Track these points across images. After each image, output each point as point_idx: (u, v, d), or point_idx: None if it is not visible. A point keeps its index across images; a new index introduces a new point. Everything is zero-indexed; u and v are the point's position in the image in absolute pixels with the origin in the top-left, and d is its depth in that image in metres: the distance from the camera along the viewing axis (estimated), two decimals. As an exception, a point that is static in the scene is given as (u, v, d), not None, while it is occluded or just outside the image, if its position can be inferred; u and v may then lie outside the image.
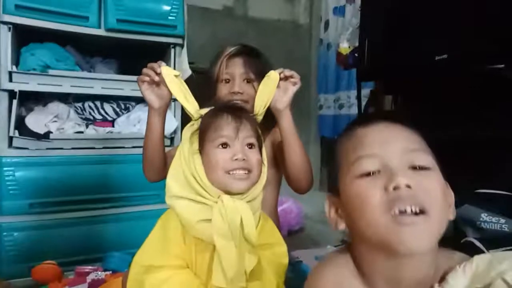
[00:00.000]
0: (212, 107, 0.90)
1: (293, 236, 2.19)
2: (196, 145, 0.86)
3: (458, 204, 0.60)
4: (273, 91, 0.99)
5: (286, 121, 1.03)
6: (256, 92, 1.06)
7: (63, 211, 1.55)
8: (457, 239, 1.22)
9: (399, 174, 0.54)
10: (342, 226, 0.63)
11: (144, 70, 0.96)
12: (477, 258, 0.57)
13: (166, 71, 0.93)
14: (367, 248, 0.59)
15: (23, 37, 1.58)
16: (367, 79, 1.78)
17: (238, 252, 0.79)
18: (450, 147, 1.33)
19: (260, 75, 1.14)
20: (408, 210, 0.52)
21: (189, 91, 0.94)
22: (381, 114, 0.63)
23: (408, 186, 0.53)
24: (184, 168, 0.84)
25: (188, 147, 0.87)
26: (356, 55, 1.83)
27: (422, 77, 1.45)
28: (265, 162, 0.90)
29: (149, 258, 0.80)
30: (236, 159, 0.82)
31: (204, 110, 0.90)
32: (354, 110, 2.48)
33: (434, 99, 1.44)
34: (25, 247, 1.49)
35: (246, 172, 0.83)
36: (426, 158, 0.58)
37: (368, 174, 0.56)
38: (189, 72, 1.73)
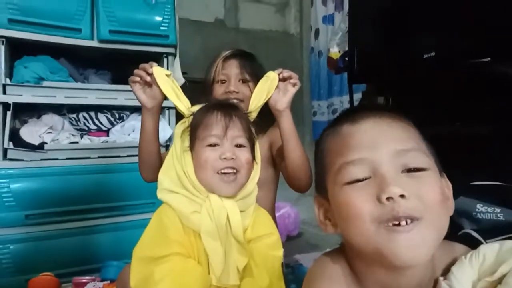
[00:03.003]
0: (204, 104, 0.91)
1: (292, 241, 2.18)
2: (187, 143, 0.87)
3: (453, 197, 0.58)
4: (271, 91, 1.01)
5: (286, 122, 1.04)
6: (251, 92, 1.09)
7: (59, 221, 1.54)
8: (454, 232, 1.22)
9: (392, 182, 0.48)
10: (331, 230, 0.58)
11: (136, 70, 0.98)
12: (484, 248, 0.53)
13: (157, 71, 0.95)
14: (360, 255, 0.54)
15: (17, 50, 1.60)
16: (358, 81, 1.80)
17: (225, 252, 0.80)
18: (443, 142, 1.35)
19: (255, 76, 1.17)
20: (403, 223, 0.48)
21: (180, 90, 0.96)
22: (369, 107, 0.58)
23: (402, 196, 0.48)
24: (176, 165, 0.86)
25: (179, 144, 0.88)
26: (346, 58, 1.86)
27: (411, 75, 1.48)
28: (258, 160, 0.91)
29: (151, 249, 0.80)
30: (224, 158, 0.82)
31: (196, 107, 0.91)
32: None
33: (425, 96, 1.47)
34: (22, 259, 1.47)
35: (234, 171, 0.83)
36: (420, 158, 0.52)
37: (357, 181, 0.51)
38: (182, 81, 1.75)
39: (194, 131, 0.86)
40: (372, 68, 1.62)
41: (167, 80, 0.94)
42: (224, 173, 0.83)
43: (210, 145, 0.84)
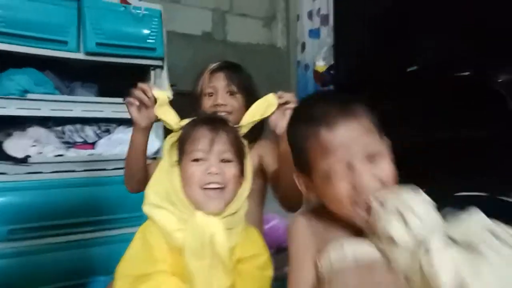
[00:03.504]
0: (192, 118, 0.91)
1: (282, 253, 2.16)
2: (175, 157, 0.86)
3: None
4: (266, 113, 1.00)
5: (284, 145, 1.00)
6: (239, 104, 1.10)
7: (44, 236, 1.51)
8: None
9: (363, 174, 0.66)
10: (314, 199, 0.75)
11: (136, 93, 0.98)
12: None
13: (158, 95, 0.96)
14: (334, 213, 0.72)
15: (2, 62, 1.58)
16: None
17: (209, 271, 0.78)
18: (429, 154, 1.37)
19: (243, 88, 1.18)
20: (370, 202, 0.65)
21: (169, 105, 0.96)
22: (339, 110, 0.68)
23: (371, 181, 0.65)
24: (164, 180, 0.85)
25: (168, 158, 0.87)
26: (331, 72, 1.89)
27: (395, 88, 1.51)
28: (248, 175, 0.90)
29: (135, 267, 0.78)
30: (209, 173, 0.81)
31: (185, 121, 0.91)
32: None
33: (409, 107, 1.50)
34: (5, 275, 1.43)
35: (220, 187, 0.82)
36: (379, 145, 0.69)
37: (336, 174, 0.68)
38: (170, 94, 1.75)
39: (181, 146, 0.86)
40: (358, 81, 1.65)
41: (166, 103, 0.95)
42: (210, 189, 0.81)
43: (196, 160, 0.83)
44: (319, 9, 2.75)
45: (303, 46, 3.04)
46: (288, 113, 1.01)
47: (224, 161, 0.84)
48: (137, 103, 0.98)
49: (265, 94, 1.06)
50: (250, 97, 1.18)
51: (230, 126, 0.91)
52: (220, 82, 1.18)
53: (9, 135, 1.60)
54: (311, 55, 2.89)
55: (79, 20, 1.64)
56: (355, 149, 0.67)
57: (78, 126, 1.68)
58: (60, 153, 1.61)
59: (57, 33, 1.60)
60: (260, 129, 1.07)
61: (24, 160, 1.49)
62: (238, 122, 1.12)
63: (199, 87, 1.21)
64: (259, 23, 3.24)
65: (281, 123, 1.01)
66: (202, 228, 0.79)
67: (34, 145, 1.57)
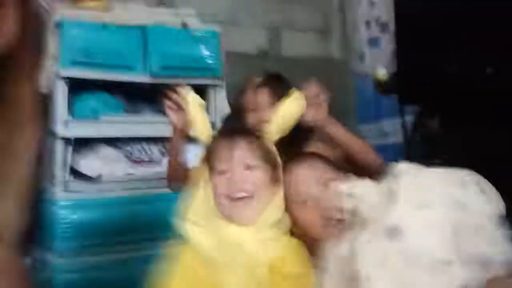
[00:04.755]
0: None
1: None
2: (207, 174, 0.86)
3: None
4: (298, 112, 0.96)
5: (335, 129, 1.02)
6: None
7: (113, 252, 1.58)
8: None
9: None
10: None
11: (174, 97, 1.03)
12: None
13: (191, 98, 1.00)
14: None
15: (76, 87, 1.71)
16: (407, 101, 1.74)
17: (245, 285, 0.76)
18: (500, 163, 1.24)
19: None
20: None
21: (203, 113, 0.99)
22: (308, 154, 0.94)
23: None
24: (200, 198, 0.85)
25: (202, 175, 0.88)
26: (394, 80, 1.81)
27: (466, 94, 1.40)
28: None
29: None
30: (234, 182, 0.80)
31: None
32: (398, 138, 2.41)
33: (480, 115, 1.38)
34: (79, 288, 1.51)
35: (249, 195, 0.79)
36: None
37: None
38: (227, 110, 1.78)
39: (207, 161, 0.86)
40: (423, 88, 1.56)
41: (199, 108, 0.98)
42: (237, 198, 0.79)
43: (220, 172, 0.82)
44: (377, 17, 2.68)
45: (362, 56, 2.96)
46: (325, 104, 1.00)
47: (249, 168, 0.82)
48: (174, 106, 1.03)
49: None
50: None
51: (252, 133, 0.89)
52: (263, 98, 1.16)
53: (81, 155, 1.71)
54: (370, 65, 2.80)
55: (144, 45, 1.74)
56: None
57: (144, 145, 1.76)
58: (131, 171, 1.68)
59: (124, 59, 1.71)
60: (302, 133, 1.05)
61: (97, 179, 1.59)
62: (284, 137, 1.10)
63: (242, 103, 1.20)
64: (315, 36, 3.22)
65: (318, 111, 0.99)
66: (233, 239, 0.77)
67: (105, 165, 1.67)
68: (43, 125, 1.61)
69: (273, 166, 0.85)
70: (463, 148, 1.43)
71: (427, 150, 1.68)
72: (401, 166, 0.71)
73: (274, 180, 0.84)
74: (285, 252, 0.80)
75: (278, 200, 0.84)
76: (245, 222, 0.79)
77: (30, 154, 0.54)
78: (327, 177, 0.83)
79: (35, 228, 1.55)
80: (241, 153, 0.82)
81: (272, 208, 0.82)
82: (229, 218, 0.80)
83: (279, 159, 0.88)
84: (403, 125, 1.72)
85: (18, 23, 0.46)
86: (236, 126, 0.97)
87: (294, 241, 0.85)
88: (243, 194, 0.80)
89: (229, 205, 0.80)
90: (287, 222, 0.84)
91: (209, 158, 0.86)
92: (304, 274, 0.79)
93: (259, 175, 0.82)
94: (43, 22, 1.55)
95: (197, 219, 0.83)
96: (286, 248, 0.81)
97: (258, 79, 1.20)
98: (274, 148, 0.89)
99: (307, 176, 0.84)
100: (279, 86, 1.18)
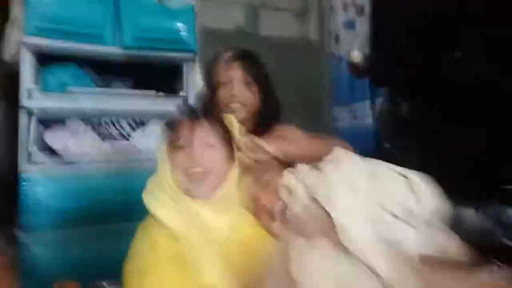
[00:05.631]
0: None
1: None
2: (166, 149, 0.89)
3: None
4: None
5: (285, 153, 0.99)
6: (254, 96, 1.12)
7: (79, 225, 1.55)
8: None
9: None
10: None
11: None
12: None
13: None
14: None
15: (42, 57, 1.64)
16: (380, 84, 1.77)
17: (208, 256, 0.79)
18: (468, 146, 1.29)
19: (259, 79, 1.15)
20: None
21: None
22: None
23: None
24: (159, 169, 0.88)
25: (162, 148, 0.90)
26: (367, 62, 1.83)
27: (437, 77, 1.43)
28: (236, 160, 0.90)
29: (139, 263, 0.81)
30: (191, 158, 0.83)
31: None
32: (369, 120, 2.45)
33: (451, 98, 1.42)
34: (47, 264, 1.48)
35: (204, 171, 0.83)
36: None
37: None
38: (201, 85, 1.75)
39: (169, 138, 0.89)
40: (395, 70, 1.58)
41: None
42: (193, 173, 0.83)
43: (180, 148, 0.85)
44: (354, 0, 2.68)
45: (337, 38, 2.97)
46: (259, 145, 0.96)
47: (208, 146, 0.86)
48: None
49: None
50: (266, 88, 1.16)
51: (214, 114, 0.93)
52: (235, 73, 1.14)
53: (49, 127, 1.66)
54: (345, 47, 2.82)
55: (116, 15, 1.67)
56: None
57: (114, 118, 1.72)
58: (98, 145, 1.65)
59: (94, 28, 1.64)
60: (272, 115, 1.07)
61: (63, 151, 1.54)
62: (251, 113, 1.11)
63: (213, 76, 1.18)
64: (292, 17, 3.20)
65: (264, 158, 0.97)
66: (192, 213, 0.81)
67: (72, 137, 1.62)
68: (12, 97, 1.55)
69: (230, 146, 0.90)
70: (431, 131, 1.47)
71: (397, 133, 1.72)
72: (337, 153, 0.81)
73: (230, 159, 0.89)
74: (240, 221, 0.85)
75: (232, 177, 0.88)
76: (201, 196, 0.83)
77: None
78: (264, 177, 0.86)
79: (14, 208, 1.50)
80: (202, 131, 0.86)
81: (227, 183, 0.87)
82: (185, 192, 0.83)
83: (236, 140, 0.92)
84: (373, 108, 1.75)
85: None
86: (199, 107, 1.01)
87: (245, 212, 0.89)
88: (200, 170, 0.83)
89: (187, 180, 0.83)
90: (241, 198, 0.88)
91: (170, 135, 0.88)
92: (258, 240, 0.84)
93: (216, 153, 0.86)
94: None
95: (159, 192, 0.85)
96: (240, 217, 0.86)
97: (230, 53, 1.18)
98: (233, 128, 0.92)
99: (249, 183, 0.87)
100: (252, 61, 1.17)
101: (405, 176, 0.76)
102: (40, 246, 1.49)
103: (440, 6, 1.39)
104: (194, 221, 0.81)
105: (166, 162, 0.87)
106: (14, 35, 1.54)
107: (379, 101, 1.85)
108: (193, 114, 0.89)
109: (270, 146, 0.95)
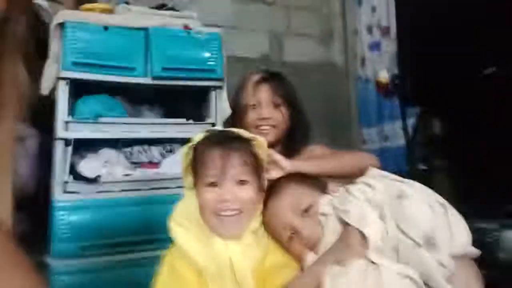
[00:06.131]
0: (204, 135, 0.87)
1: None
2: (191, 179, 0.86)
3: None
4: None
5: (302, 168, 0.95)
6: (283, 117, 1.12)
7: (112, 253, 1.56)
8: None
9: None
10: None
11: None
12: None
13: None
14: None
15: (77, 90, 1.71)
16: (410, 103, 1.73)
17: None
18: (503, 165, 1.23)
19: (287, 100, 1.14)
20: None
21: None
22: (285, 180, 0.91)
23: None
24: (185, 200, 0.86)
25: (185, 178, 0.88)
26: (396, 82, 1.80)
27: (470, 93, 1.39)
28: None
29: None
30: (223, 200, 0.79)
31: (199, 136, 0.87)
32: (400, 141, 2.39)
33: (485, 115, 1.36)
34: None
35: (237, 212, 0.79)
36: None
37: None
38: (229, 111, 1.77)
39: (195, 168, 0.84)
40: (425, 88, 1.54)
41: None
42: (225, 216, 0.79)
43: (210, 185, 0.80)
44: (379, 22, 2.69)
45: (363, 61, 2.97)
46: (277, 158, 0.92)
47: (240, 183, 0.81)
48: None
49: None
50: (294, 108, 1.15)
51: (243, 143, 0.85)
52: (264, 94, 1.15)
53: (83, 157, 1.71)
54: (371, 69, 2.80)
55: (146, 48, 1.74)
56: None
57: (145, 146, 1.75)
58: (129, 172, 1.68)
59: (127, 61, 1.70)
60: (303, 133, 1.05)
61: (95, 180, 1.57)
62: (281, 135, 1.09)
63: (242, 99, 1.19)
64: (316, 41, 3.23)
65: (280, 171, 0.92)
66: (220, 253, 0.77)
67: (105, 166, 1.66)
68: (46, 127, 1.61)
69: (260, 176, 0.85)
70: (464, 150, 1.41)
71: (428, 152, 1.67)
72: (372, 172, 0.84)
73: (260, 190, 0.85)
74: (266, 252, 0.82)
75: (259, 210, 0.85)
76: (230, 237, 0.80)
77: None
78: (304, 203, 0.84)
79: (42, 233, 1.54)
80: (235, 169, 0.80)
81: (255, 218, 0.83)
82: (215, 231, 0.80)
83: (265, 165, 0.88)
84: (405, 128, 1.70)
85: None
86: (229, 134, 0.88)
87: (271, 241, 0.87)
88: (232, 213, 0.80)
89: (216, 220, 0.80)
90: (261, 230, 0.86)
91: (196, 165, 0.84)
92: (286, 264, 0.81)
93: (250, 191, 0.81)
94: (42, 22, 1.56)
95: (185, 222, 0.83)
96: (265, 249, 0.83)
97: (257, 76, 1.20)
98: (264, 151, 0.88)
99: (283, 208, 0.84)
100: (279, 82, 1.18)
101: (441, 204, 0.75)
102: (69, 274, 1.50)
103: (467, 22, 1.36)
104: (221, 258, 0.78)
105: (194, 195, 0.84)
106: (51, 70, 1.63)
107: (410, 121, 1.81)
108: (223, 145, 0.82)
109: (286, 161, 0.91)
